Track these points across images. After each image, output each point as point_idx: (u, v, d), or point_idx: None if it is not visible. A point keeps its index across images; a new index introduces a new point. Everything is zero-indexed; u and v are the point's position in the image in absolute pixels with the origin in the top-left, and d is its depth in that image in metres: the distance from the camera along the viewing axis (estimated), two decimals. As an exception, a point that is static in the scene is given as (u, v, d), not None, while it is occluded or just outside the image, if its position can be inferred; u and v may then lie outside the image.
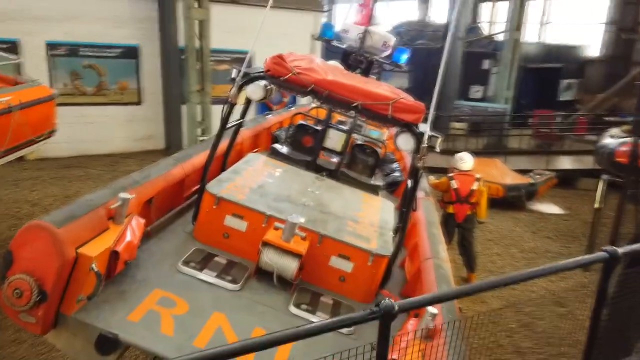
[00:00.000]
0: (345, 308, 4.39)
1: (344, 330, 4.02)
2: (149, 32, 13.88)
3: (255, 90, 4.26)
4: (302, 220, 4.57)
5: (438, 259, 4.84)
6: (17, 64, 6.77)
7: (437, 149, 4.26)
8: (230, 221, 4.62)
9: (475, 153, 16.57)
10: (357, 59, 5.21)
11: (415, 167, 4.22)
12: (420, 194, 6.85)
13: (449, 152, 16.55)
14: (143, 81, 14.21)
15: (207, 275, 4.17)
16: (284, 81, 4.15)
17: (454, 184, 7.36)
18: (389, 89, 4.33)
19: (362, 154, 6.86)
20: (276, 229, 4.36)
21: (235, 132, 5.24)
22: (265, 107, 15.47)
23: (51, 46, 13.00)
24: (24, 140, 6.33)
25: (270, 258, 4.28)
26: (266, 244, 4.27)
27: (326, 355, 3.54)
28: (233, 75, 4.30)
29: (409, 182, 4.57)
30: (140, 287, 3.83)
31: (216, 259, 4.48)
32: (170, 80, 13.54)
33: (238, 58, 15.35)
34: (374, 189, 6.08)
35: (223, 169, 5.35)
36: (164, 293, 3.85)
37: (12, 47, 12.59)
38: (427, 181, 7.76)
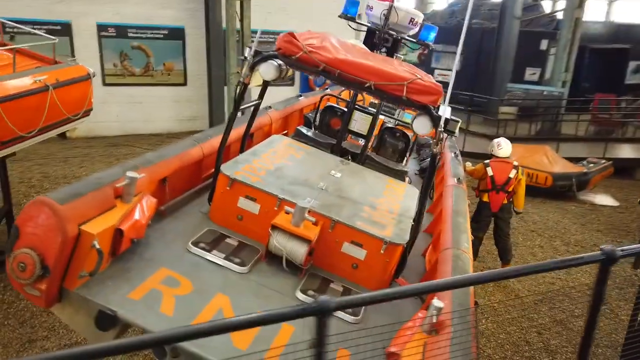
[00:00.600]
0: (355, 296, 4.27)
1: (349, 318, 3.92)
2: (195, 13, 14.04)
3: (267, 70, 4.15)
4: (311, 204, 4.48)
5: (458, 249, 4.61)
6: (54, 44, 6.90)
7: (456, 134, 4.02)
8: (244, 203, 4.59)
9: (526, 139, 15.98)
10: (382, 38, 4.97)
11: (433, 153, 3.99)
12: (451, 181, 6.58)
13: (494, 137, 15.93)
14: (188, 62, 14.44)
15: (215, 257, 4.16)
16: (295, 60, 4.01)
17: (490, 171, 6.99)
18: (408, 69, 4.10)
19: (391, 137, 6.64)
20: (287, 212, 4.28)
21: (254, 113, 5.17)
22: (307, 88, 15.39)
23: (101, 27, 13.42)
24: (60, 118, 6.54)
25: (279, 242, 4.22)
26: (275, 227, 4.21)
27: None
28: (245, 54, 4.21)
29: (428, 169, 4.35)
30: (146, 266, 3.87)
31: (227, 240, 4.47)
32: (214, 62, 13.66)
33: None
34: (400, 175, 5.87)
35: (242, 150, 5.31)
36: (169, 272, 3.87)
37: (65, 28, 13.14)
38: (461, 167, 7.44)
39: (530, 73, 20.32)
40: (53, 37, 6.90)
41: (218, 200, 4.68)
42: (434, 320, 3.35)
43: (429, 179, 4.16)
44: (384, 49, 5.13)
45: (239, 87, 4.34)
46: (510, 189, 6.89)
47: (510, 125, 16.73)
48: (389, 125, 6.75)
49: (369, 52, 4.44)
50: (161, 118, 14.61)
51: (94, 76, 7.13)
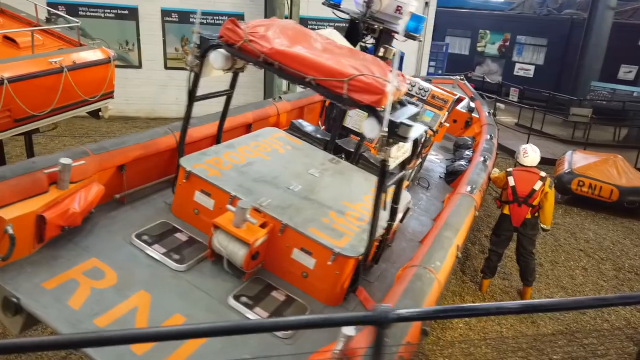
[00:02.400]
0: (297, 307, 3.95)
1: (280, 333, 3.62)
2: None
3: (216, 59, 3.90)
4: (264, 204, 4.20)
5: (424, 267, 4.11)
6: (77, 26, 7.14)
7: (410, 140, 3.52)
8: (199, 197, 4.42)
9: (608, 146, 14.22)
10: (367, 28, 4.49)
11: (381, 161, 3.53)
12: (462, 189, 5.96)
13: (566, 141, 14.33)
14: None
15: (154, 251, 4.04)
16: (237, 49, 3.72)
17: (511, 180, 6.20)
18: (364, 65, 3.63)
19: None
20: (232, 212, 4.04)
21: (226, 104, 4.96)
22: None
23: (165, 12, 13.86)
24: (76, 100, 6.78)
25: (220, 242, 4.01)
26: (217, 226, 3.99)
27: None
28: (194, 40, 3.99)
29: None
30: (77, 255, 3.83)
31: (177, 234, 4.33)
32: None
33: (342, 27, 14.91)
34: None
35: (217, 141, 5.13)
36: (98, 263, 3.81)
37: (132, 13, 13.75)
38: (485, 173, 6.73)
39: (625, 71, 18.10)
40: (77, 20, 7.14)
41: (177, 192, 4.55)
42: (340, 349, 2.97)
43: (379, 188, 3.70)
44: (371, 41, 4.66)
45: (191, 76, 4.14)
46: (534, 203, 6.07)
47: (592, 128, 15.03)
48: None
49: (334, 44, 4.01)
50: (217, 102, 14.85)
51: (115, 60, 7.29)
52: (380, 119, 3.44)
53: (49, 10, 7.90)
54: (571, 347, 5.86)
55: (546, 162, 12.73)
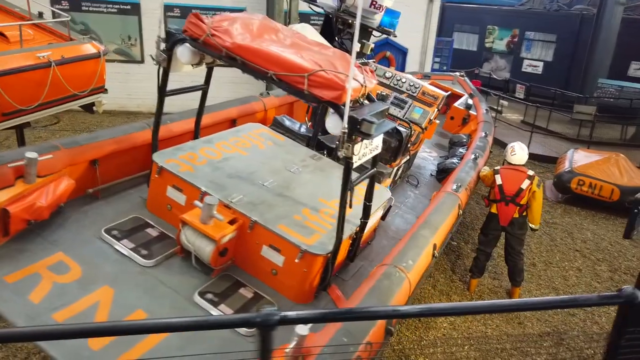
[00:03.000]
0: (264, 304, 3.90)
1: (242, 330, 3.59)
2: (257, -5, 14.03)
3: (182, 53, 3.86)
4: (235, 201, 4.17)
5: (395, 266, 4.06)
6: (67, 21, 7.16)
7: (373, 137, 3.45)
8: (171, 193, 4.40)
9: (608, 144, 13.94)
10: (343, 23, 4.42)
11: (345, 158, 3.46)
12: (448, 187, 5.87)
13: (571, 140, 14.03)
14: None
15: (123, 246, 4.03)
16: (201, 44, 3.68)
17: (498, 179, 6.08)
18: (328, 59, 3.57)
19: (385, 133, 6.01)
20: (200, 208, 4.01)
21: (202, 99, 4.93)
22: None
23: (167, 8, 13.87)
24: (65, 94, 6.80)
25: (187, 238, 3.98)
26: (184, 222, 3.96)
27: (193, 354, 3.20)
28: (158, 34, 3.97)
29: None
30: (44, 249, 3.83)
31: (148, 230, 4.32)
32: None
33: (344, 22, 14.80)
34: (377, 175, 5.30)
35: (195, 136, 5.11)
36: (64, 258, 3.81)
37: (134, 8, 13.79)
38: (475, 172, 6.62)
39: (636, 68, 17.72)
40: (66, 15, 7.16)
41: (151, 188, 4.54)
42: (292, 347, 2.93)
43: (344, 185, 3.64)
44: (347, 36, 4.58)
45: (160, 72, 4.11)
46: (522, 202, 5.95)
47: (598, 127, 14.75)
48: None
49: (303, 39, 3.95)
50: (217, 97, 14.81)
51: (105, 54, 7.30)
52: (342, 116, 3.38)
53: (53, 11, 7.96)
54: (557, 348, 5.77)
55: (549, 161, 12.56)
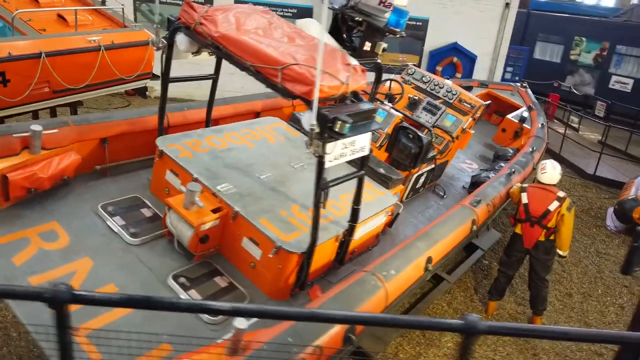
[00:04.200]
0: (236, 296, 3.93)
1: (205, 317, 3.63)
2: (325, -7, 14.10)
3: (180, 41, 3.95)
4: (223, 190, 4.22)
5: (374, 274, 3.91)
6: (122, 9, 7.62)
7: (346, 136, 3.34)
8: (169, 177, 4.54)
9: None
10: (352, 20, 4.29)
11: (318, 156, 3.38)
12: (466, 200, 5.57)
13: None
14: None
15: (114, 223, 4.21)
16: (192, 32, 3.75)
17: (524, 197, 5.64)
18: (313, 55, 3.49)
19: (405, 138, 5.83)
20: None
21: (213, 89, 5.02)
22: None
23: (238, 2, 14.34)
24: (112, 78, 7.24)
25: (171, 222, 4.09)
26: (169, 206, 4.07)
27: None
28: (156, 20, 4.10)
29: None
30: (40, 217, 4.10)
31: (143, 210, 4.49)
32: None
33: (411, 25, 14.48)
34: (384, 181, 5.15)
35: (207, 125, 5.22)
36: (57, 227, 4.05)
37: (207, 2, 14.39)
38: (505, 188, 6.21)
39: None
40: (122, 4, 7.60)
41: (153, 170, 4.71)
42: (228, 339, 2.92)
43: (316, 184, 3.56)
44: (357, 34, 4.45)
45: (163, 59, 4.24)
46: (549, 225, 5.47)
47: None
48: (404, 124, 5.90)
49: (299, 34, 3.90)
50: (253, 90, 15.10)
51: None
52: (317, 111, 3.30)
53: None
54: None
55: (618, 186, 11.49)
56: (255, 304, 3.72)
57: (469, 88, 9.88)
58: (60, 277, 3.63)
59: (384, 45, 4.48)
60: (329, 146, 3.34)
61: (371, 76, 5.26)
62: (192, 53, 4.08)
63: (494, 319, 6.26)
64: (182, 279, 3.88)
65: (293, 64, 3.24)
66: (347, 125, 3.26)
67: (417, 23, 14.48)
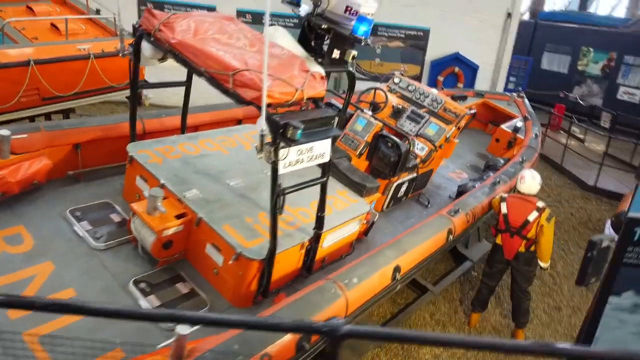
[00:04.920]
0: (196, 302, 3.92)
1: (163, 324, 3.62)
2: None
3: (145, 47, 4.00)
4: (188, 196, 4.23)
5: (335, 282, 3.88)
6: (115, 17, 7.76)
7: (298, 143, 3.33)
8: (139, 182, 4.57)
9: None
10: (319, 29, 4.29)
11: (272, 163, 3.37)
12: (446, 209, 5.51)
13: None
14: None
15: (80, 228, 4.25)
16: (152, 39, 3.79)
17: (504, 207, 5.56)
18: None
19: (384, 146, 5.80)
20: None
21: (186, 95, 5.05)
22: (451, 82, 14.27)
23: (240, 13, 14.49)
24: (102, 86, 7.34)
25: (135, 227, 4.11)
26: (133, 211, 4.09)
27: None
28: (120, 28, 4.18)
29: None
30: (7, 220, 4.15)
31: (112, 215, 4.52)
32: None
33: (412, 35, 14.49)
34: (358, 189, 5.12)
35: (182, 131, 5.26)
36: (23, 230, 4.09)
37: (210, 11, 14.60)
38: (488, 198, 6.14)
39: None
40: (113, 12, 7.73)
41: (125, 176, 4.74)
42: (168, 345, 2.91)
43: (272, 190, 3.55)
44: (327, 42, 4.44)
45: (131, 66, 4.29)
46: (529, 235, 5.38)
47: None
48: (384, 132, 5.88)
49: (261, 41, 3.91)
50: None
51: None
52: (266, 117, 3.30)
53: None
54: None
55: (617, 198, 11.27)
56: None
57: (463, 97, 9.84)
58: (19, 280, 3.66)
59: (354, 52, 4.46)
60: (282, 152, 3.33)
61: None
62: (158, 60, 4.12)
63: (476, 331, 6.16)
64: (143, 285, 3.88)
65: (244, 70, 3.25)
66: (299, 132, 3.25)
67: (418, 33, 14.47)
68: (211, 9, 14.39)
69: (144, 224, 4.00)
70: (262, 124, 3.14)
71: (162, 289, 3.91)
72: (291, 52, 3.83)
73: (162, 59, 4.15)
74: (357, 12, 4.19)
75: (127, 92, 7.81)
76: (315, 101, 3.71)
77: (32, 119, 7.23)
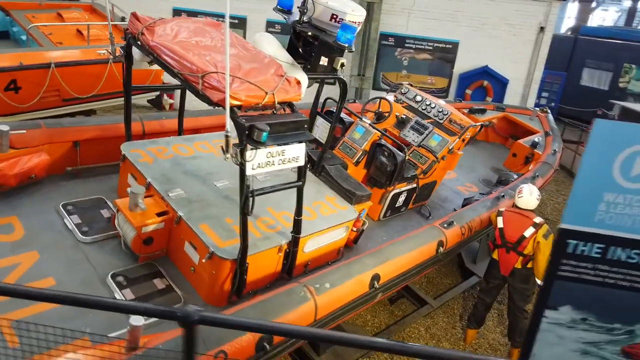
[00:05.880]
0: (170, 298, 4.00)
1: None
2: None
3: (135, 50, 4.16)
4: (172, 195, 4.35)
5: (306, 285, 3.90)
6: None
7: (266, 145, 3.38)
8: (131, 180, 4.73)
9: None
10: (307, 36, 4.33)
11: (239, 164, 3.44)
12: (439, 221, 5.42)
13: None
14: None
15: (70, 220, 4.43)
16: (137, 42, 3.94)
17: (500, 221, 5.39)
18: (240, 64, 3.57)
19: (382, 155, 5.77)
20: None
21: (182, 97, 5.20)
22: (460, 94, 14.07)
23: (270, 23, 14.75)
24: (120, 89, 7.63)
25: (118, 222, 4.25)
26: (117, 207, 4.24)
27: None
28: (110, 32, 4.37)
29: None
30: (2, 209, 4.38)
31: (103, 210, 4.69)
32: (362, 64, 13.45)
33: (440, 47, 14.36)
34: (348, 196, 5.11)
35: (179, 133, 5.41)
36: (15, 221, 4.31)
37: (241, 22, 14.94)
38: (488, 212, 6.00)
39: None
40: (122, 19, 8.07)
41: (119, 174, 4.92)
42: (119, 336, 3.00)
43: (240, 191, 3.61)
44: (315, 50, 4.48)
45: (124, 68, 4.47)
46: (525, 251, 5.20)
47: None
48: (382, 141, 5.85)
49: (243, 46, 4.00)
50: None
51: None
52: (236, 120, 3.37)
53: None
54: None
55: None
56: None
57: (482, 111, 9.65)
58: (4, 267, 3.85)
59: (342, 60, 4.50)
60: (249, 154, 3.39)
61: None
62: (148, 62, 4.28)
63: (471, 348, 5.99)
64: (120, 278, 4.00)
65: (212, 72, 3.34)
66: (264, 134, 3.31)
67: (447, 45, 14.33)
68: (242, 19, 14.81)
69: (126, 219, 4.14)
70: (227, 125, 3.22)
71: (138, 284, 4.02)
72: (271, 58, 3.89)
73: (152, 62, 4.30)
74: (342, 20, 4.23)
75: (149, 95, 8.14)
76: (291, 105, 3.76)
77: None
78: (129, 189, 4.15)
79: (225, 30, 2.90)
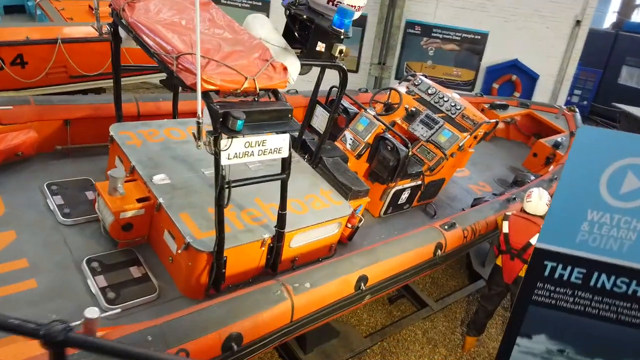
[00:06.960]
0: (146, 288, 3.86)
1: (103, 303, 3.61)
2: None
3: (121, 29, 3.98)
4: (154, 181, 4.19)
5: (284, 285, 3.70)
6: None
7: (242, 134, 3.17)
8: (117, 163, 4.60)
9: None
10: (307, 20, 4.06)
11: (214, 154, 3.23)
12: (440, 222, 5.14)
13: None
14: (364, 49, 14.29)
15: (52, 201, 4.32)
16: (119, 19, 3.75)
17: (505, 226, 5.05)
18: (222, 46, 3.34)
19: (384, 149, 5.48)
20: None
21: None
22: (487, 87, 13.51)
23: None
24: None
25: (98, 206, 4.13)
26: (97, 191, 4.11)
27: None
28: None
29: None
30: (-15, 187, 4.31)
31: (88, 192, 4.58)
32: (383, 52, 13.14)
33: (468, 38, 13.80)
34: (344, 190, 4.86)
35: (174, 117, 5.24)
36: (-3, 198, 4.23)
37: (264, 5, 14.67)
38: (496, 215, 5.66)
39: None
40: None
41: (109, 155, 4.79)
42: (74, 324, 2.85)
43: (215, 181, 3.41)
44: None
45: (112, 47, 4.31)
46: (530, 259, 4.86)
47: None
48: (385, 135, 5.54)
49: (232, 27, 3.75)
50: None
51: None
52: (208, 105, 3.16)
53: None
54: None
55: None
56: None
57: (504, 106, 9.19)
58: (-22, 245, 3.77)
59: (342, 47, 4.22)
60: (223, 143, 3.18)
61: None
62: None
63: (469, 356, 5.71)
64: (95, 264, 3.88)
65: (187, 53, 3.12)
66: (239, 122, 3.09)
67: (476, 37, 13.76)
68: (266, 2, 14.54)
69: (105, 204, 4.00)
70: (198, 110, 3.01)
71: (112, 271, 3.89)
72: (260, 41, 3.65)
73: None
74: (339, 4, 3.95)
75: (153, 76, 8.00)
76: (275, 93, 3.52)
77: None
78: (109, 172, 4.01)
79: (196, 7, 2.67)
